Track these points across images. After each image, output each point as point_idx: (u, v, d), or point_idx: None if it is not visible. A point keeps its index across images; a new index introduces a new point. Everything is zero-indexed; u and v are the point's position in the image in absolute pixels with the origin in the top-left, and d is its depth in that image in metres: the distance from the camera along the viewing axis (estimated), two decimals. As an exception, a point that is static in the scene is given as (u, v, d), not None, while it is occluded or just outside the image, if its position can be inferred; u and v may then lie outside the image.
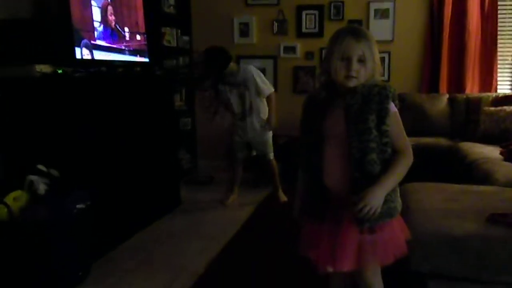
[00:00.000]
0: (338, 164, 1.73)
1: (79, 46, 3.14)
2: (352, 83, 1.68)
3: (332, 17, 5.25)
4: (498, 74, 5.07)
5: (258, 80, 4.06)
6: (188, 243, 3.41)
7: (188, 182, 4.96)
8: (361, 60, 1.67)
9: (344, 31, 1.72)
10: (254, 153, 4.40)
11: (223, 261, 3.08)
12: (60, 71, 2.98)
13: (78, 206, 2.68)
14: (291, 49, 5.37)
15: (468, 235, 1.99)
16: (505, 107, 4.50)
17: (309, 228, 1.86)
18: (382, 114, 1.66)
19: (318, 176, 1.77)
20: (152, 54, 4.09)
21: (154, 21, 4.44)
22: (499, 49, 5.01)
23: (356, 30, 1.71)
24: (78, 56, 3.14)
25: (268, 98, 4.14)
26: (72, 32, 3.08)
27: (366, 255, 1.71)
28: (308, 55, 5.34)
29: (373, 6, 5.17)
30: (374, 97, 1.66)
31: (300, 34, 5.36)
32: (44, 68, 2.91)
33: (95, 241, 2.93)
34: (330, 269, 1.75)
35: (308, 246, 1.84)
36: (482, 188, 2.74)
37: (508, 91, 5.04)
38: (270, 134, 4.26)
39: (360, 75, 1.67)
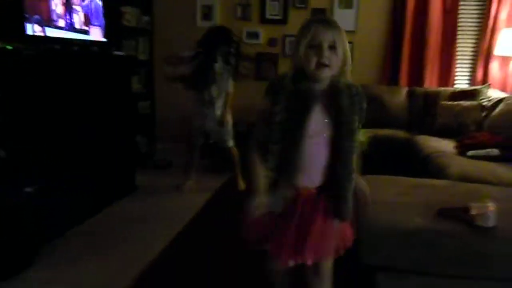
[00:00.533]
0: (316, 161, 1.72)
1: (30, 21, 2.98)
2: (324, 73, 1.63)
3: (296, 5, 5.21)
4: (457, 69, 5.16)
5: (229, 72, 4.08)
6: (142, 229, 3.34)
7: (145, 167, 4.86)
8: (332, 47, 1.61)
9: (313, 20, 1.67)
10: (211, 141, 4.33)
11: (177, 247, 3.03)
12: (9, 48, 2.83)
13: (25, 189, 2.57)
14: (254, 35, 5.31)
15: (417, 229, 2.02)
16: (462, 102, 4.60)
17: (270, 222, 1.78)
18: (362, 115, 1.70)
19: (292, 173, 1.72)
20: (110, 34, 3.94)
21: (114, -1, 4.29)
22: (457, 45, 5.10)
23: (325, 19, 1.67)
24: (29, 32, 2.98)
25: (228, 94, 4.11)
26: (22, 6, 2.92)
27: (333, 243, 1.76)
28: (271, 42, 5.29)
29: (338, -5, 5.16)
30: (355, 97, 1.66)
31: (263, 20, 5.29)
32: (-9, 44, 2.77)
33: (44, 226, 2.83)
34: (291, 263, 1.74)
35: (267, 239, 1.79)
36: (434, 182, 2.78)
37: (465, 86, 5.14)
38: (230, 126, 4.22)
39: (332, 63, 1.62)
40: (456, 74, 5.17)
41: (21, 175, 2.63)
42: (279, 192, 1.72)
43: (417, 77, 5.16)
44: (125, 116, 4.03)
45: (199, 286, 2.55)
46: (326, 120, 1.67)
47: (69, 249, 2.96)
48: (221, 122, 4.13)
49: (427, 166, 3.64)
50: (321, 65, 1.61)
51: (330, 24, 1.63)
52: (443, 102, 4.70)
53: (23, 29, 2.94)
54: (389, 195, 2.39)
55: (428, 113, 4.83)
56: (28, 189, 2.59)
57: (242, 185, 4.27)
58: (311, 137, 1.68)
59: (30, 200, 2.59)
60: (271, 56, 5.30)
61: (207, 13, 5.32)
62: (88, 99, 3.42)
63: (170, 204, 3.87)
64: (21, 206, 2.55)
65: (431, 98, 4.87)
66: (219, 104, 4.10)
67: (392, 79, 5.21)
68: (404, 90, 5.03)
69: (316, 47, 1.60)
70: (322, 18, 1.68)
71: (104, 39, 3.83)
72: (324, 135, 1.68)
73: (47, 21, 3.14)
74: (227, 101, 4.11)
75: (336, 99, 1.65)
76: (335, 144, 1.67)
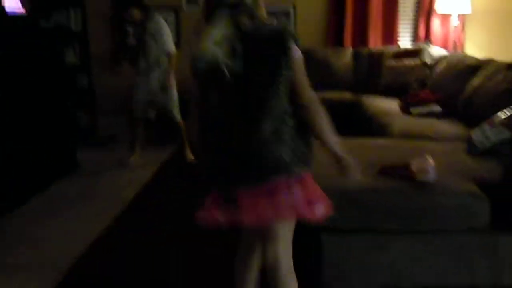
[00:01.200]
0: None
1: None
2: None
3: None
4: (400, 27, 5.16)
5: (165, 33, 3.91)
6: (83, 208, 3.20)
7: (87, 143, 4.66)
8: None
9: None
10: (152, 115, 4.16)
11: (120, 225, 2.91)
12: None
13: None
14: (194, 1, 5.09)
15: (359, 188, 1.99)
16: (405, 61, 4.61)
17: None
18: None
19: None
20: (34, 5, 3.68)
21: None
22: (400, 2, 5.09)
23: None
24: None
25: (170, 57, 3.95)
26: None
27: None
28: (213, 7, 5.09)
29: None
30: None
31: (202, -15, 5.08)
32: None
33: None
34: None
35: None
36: (378, 141, 2.76)
37: (408, 44, 5.16)
38: (174, 92, 4.06)
39: None
40: (399, 32, 5.17)
41: None
42: None
43: (361, 37, 5.14)
44: (59, 90, 3.82)
45: (144, 265, 2.46)
46: None
47: (11, 230, 2.84)
48: (164, 87, 3.96)
49: (371, 126, 3.65)
50: None
51: None
52: (387, 63, 4.71)
53: None
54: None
55: (373, 73, 4.83)
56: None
57: (190, 156, 4.16)
58: None
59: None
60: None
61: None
62: (17, 74, 3.19)
63: (114, 180, 3.73)
64: None
65: (376, 58, 4.87)
66: (157, 69, 3.94)
67: (336, 41, 5.16)
68: (349, 51, 5.00)
69: None
70: None
71: (25, 10, 3.56)
72: None
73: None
74: (170, 63, 3.95)
75: None
76: None
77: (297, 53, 1.51)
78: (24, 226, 2.92)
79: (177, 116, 4.09)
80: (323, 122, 1.56)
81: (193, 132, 1.57)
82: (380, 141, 2.78)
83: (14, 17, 3.46)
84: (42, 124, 3.52)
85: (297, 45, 1.52)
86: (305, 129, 1.57)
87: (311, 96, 1.54)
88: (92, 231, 2.80)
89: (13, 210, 3.09)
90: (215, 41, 1.48)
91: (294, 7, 5.12)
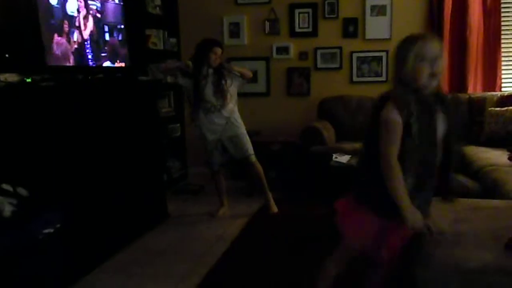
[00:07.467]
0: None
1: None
2: (435, 83, 1.74)
3: (326, 15, 4.99)
4: (503, 72, 4.81)
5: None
6: (173, 263, 3.13)
7: (177, 192, 4.69)
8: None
9: (419, 35, 1.78)
10: (229, 160, 3.99)
11: (210, 285, 2.81)
12: (28, 80, 2.72)
13: (45, 230, 2.40)
14: (284, 50, 5.11)
15: (485, 268, 1.71)
16: (511, 107, 4.25)
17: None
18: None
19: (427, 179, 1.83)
20: (135, 58, 3.81)
21: (137, 22, 4.17)
22: (502, 46, 4.76)
23: (430, 34, 1.83)
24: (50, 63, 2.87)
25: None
26: (41, 36, 2.81)
27: None
28: (302, 55, 5.07)
29: (370, 3, 4.92)
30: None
31: (293, 34, 5.09)
32: (10, 77, 2.65)
33: (67, 265, 2.65)
34: None
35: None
36: (495, 203, 2.43)
37: (513, 91, 4.78)
38: (243, 130, 3.87)
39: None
40: (503, 77, 4.81)
41: (43, 214, 2.47)
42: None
43: (459, 83, 4.84)
44: (153, 141, 3.87)
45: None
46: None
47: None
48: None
49: (479, 182, 3.33)
50: (434, 75, 1.71)
51: (438, 39, 1.78)
52: (491, 109, 4.37)
53: (44, 60, 2.84)
54: (445, 223, 2.09)
55: (474, 121, 4.50)
56: (47, 230, 2.42)
57: (274, 208, 3.98)
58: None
59: (49, 241, 2.42)
60: (302, 70, 5.08)
61: (235, 31, 5.16)
62: (113, 127, 3.27)
63: (203, 233, 3.65)
64: (40, 249, 2.38)
65: (477, 105, 4.54)
66: (227, 107, 3.82)
67: (432, 87, 4.88)
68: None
69: (431, 61, 1.71)
70: (426, 34, 1.90)
71: (125, 65, 3.68)
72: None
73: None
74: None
75: (444, 106, 1.81)
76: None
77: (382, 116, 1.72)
78: (115, 282, 2.89)
79: (252, 156, 3.90)
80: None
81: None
82: (501, 203, 2.42)
83: (120, 71, 3.62)
84: (135, 174, 3.56)
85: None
86: None
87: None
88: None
89: (102, 263, 3.09)
90: None
91: (387, 52, 4.95)
